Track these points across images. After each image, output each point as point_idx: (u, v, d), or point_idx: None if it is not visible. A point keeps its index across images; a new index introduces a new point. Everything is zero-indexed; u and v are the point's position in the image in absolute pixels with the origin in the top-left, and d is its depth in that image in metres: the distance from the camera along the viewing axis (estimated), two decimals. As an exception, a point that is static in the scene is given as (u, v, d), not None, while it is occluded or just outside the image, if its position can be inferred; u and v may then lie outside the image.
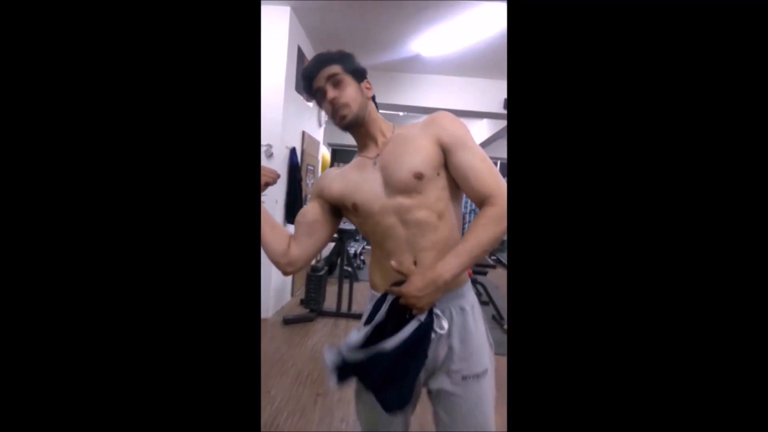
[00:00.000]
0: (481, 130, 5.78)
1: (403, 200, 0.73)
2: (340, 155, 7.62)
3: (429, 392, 0.80)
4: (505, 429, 0.56)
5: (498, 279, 5.30)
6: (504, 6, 2.61)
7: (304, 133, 3.56)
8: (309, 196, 0.84)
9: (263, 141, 2.89)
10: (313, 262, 4.11)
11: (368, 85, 0.79)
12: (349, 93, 0.75)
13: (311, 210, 0.84)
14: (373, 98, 0.81)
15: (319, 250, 0.86)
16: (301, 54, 3.24)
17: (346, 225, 3.69)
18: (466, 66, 3.82)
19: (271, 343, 2.56)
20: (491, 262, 6.63)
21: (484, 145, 6.14)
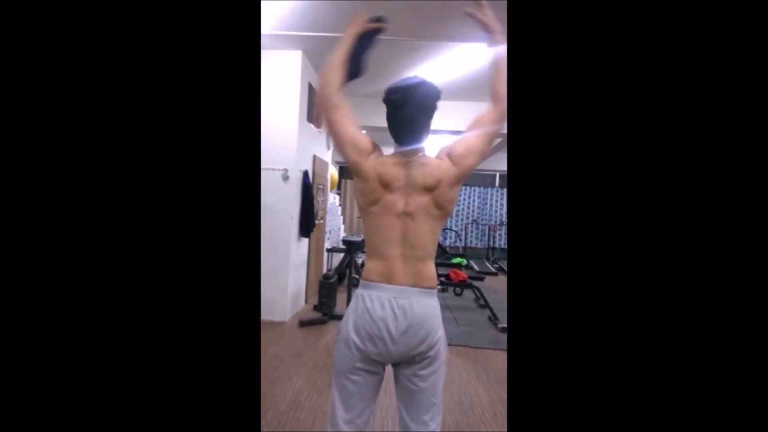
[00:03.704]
0: (477, 146, 6.20)
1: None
2: (346, 172, 8.13)
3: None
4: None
5: (498, 285, 5.61)
6: (483, 46, 3.03)
7: (315, 156, 4.00)
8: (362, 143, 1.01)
9: (280, 166, 3.32)
10: (325, 270, 4.49)
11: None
12: None
13: (355, 142, 0.99)
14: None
15: (329, 123, 1.00)
16: (311, 89, 3.70)
17: (353, 237, 4.08)
18: (458, 92, 4.26)
19: (290, 341, 2.94)
20: (493, 270, 6.94)
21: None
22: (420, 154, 1.02)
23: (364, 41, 1.07)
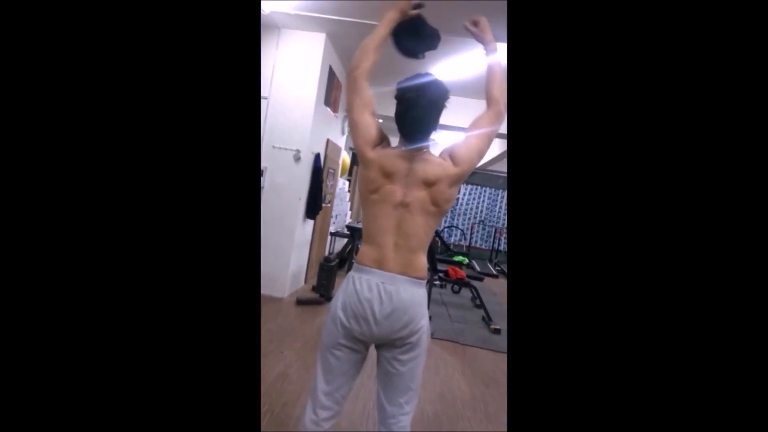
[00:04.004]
0: (491, 148, 6.15)
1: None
2: (358, 159, 8.16)
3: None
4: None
5: (497, 287, 5.63)
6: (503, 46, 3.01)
7: (328, 140, 4.03)
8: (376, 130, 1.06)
9: (293, 147, 3.37)
10: (326, 253, 4.56)
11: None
12: None
13: (364, 131, 1.04)
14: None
15: (348, 106, 1.07)
16: (331, 72, 3.72)
17: (358, 224, 4.13)
18: (473, 89, 4.22)
19: (286, 318, 3.03)
20: (494, 272, 6.96)
21: (495, 161, 6.48)
22: (425, 150, 1.05)
23: (410, 29, 1.11)
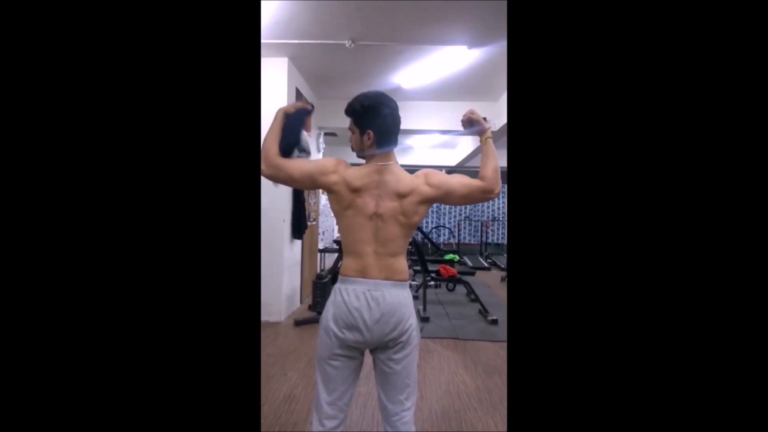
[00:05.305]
0: (467, 146, 6.29)
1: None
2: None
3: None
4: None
5: (490, 279, 5.72)
6: (463, 49, 3.14)
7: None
8: (323, 164, 1.11)
9: (270, 170, 3.41)
10: (318, 270, 4.58)
11: (369, 135, 1.09)
12: (354, 139, 1.16)
13: (319, 168, 1.09)
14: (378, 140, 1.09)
15: (290, 181, 1.12)
16: (299, 94, 3.79)
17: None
18: (441, 93, 4.36)
19: (286, 340, 3.03)
20: (486, 265, 7.06)
21: (466, 160, 6.62)
22: (393, 162, 1.12)
23: (296, 121, 1.17)
